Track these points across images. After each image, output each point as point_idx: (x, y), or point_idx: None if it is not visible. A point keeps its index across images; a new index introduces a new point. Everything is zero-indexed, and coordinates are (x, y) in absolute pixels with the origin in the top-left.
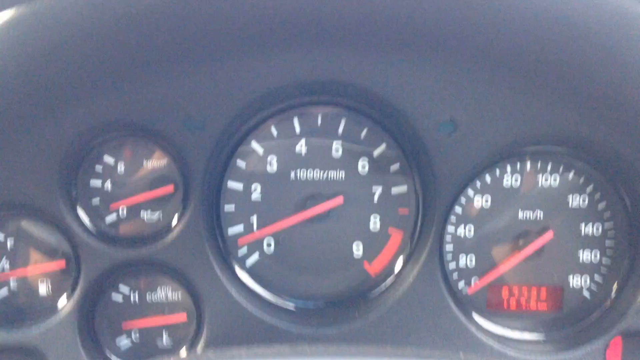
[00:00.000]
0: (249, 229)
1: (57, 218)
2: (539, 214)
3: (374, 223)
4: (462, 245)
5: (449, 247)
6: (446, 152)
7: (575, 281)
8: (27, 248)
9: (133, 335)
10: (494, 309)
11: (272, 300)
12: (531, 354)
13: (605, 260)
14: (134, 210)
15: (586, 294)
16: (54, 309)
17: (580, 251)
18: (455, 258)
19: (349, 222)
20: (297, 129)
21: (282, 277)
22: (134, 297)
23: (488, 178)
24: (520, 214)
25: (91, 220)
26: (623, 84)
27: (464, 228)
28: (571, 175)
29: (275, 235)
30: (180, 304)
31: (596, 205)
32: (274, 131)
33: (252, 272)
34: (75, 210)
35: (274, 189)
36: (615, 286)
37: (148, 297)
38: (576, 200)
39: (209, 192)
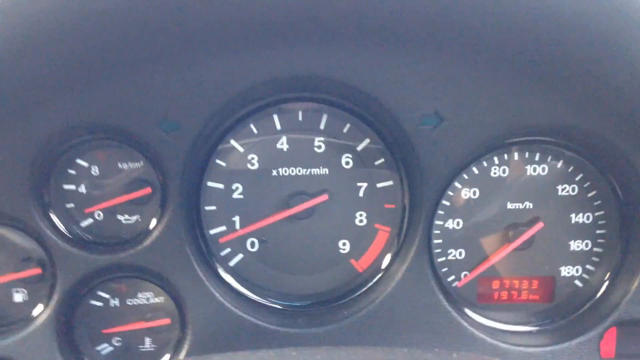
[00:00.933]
0: (231, 229)
1: (29, 224)
2: (528, 204)
3: (360, 219)
4: (450, 239)
5: (437, 241)
6: (431, 146)
7: (567, 271)
8: (0, 256)
9: (114, 341)
10: (484, 302)
11: (258, 301)
12: (524, 347)
13: (596, 250)
14: (110, 214)
15: (578, 283)
16: (30, 318)
17: (571, 241)
18: (444, 252)
19: (334, 218)
20: (278, 126)
21: (267, 277)
22: (114, 303)
23: (475, 170)
24: (509, 205)
25: (66, 225)
26: (613, 73)
27: (452, 221)
28: (560, 164)
29: (258, 234)
30: (162, 308)
31: (586, 194)
32: (254, 129)
33: (235, 272)
34: (48, 215)
35: (256, 188)
36: (607, 275)
37: (129, 303)
38: (565, 190)
39: (188, 193)
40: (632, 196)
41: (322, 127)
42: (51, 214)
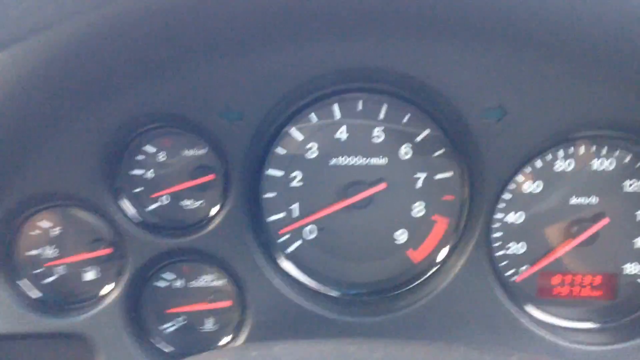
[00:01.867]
0: (289, 216)
1: (101, 208)
2: (593, 199)
3: (418, 210)
4: (511, 232)
5: (497, 235)
6: (494, 139)
7: (631, 269)
8: (74, 236)
9: (178, 320)
10: (544, 296)
11: (314, 288)
12: (585, 345)
13: None
14: (175, 199)
15: None
16: (100, 297)
17: (637, 238)
18: (504, 246)
19: (391, 208)
20: (338, 115)
21: (323, 265)
22: (178, 284)
23: (539, 163)
24: (573, 200)
25: (134, 209)
26: None
27: (514, 214)
28: (628, 159)
29: (316, 223)
30: (224, 291)
31: None
32: (314, 118)
33: (293, 259)
34: (118, 199)
35: (314, 176)
36: None
37: (192, 285)
38: (633, 185)
39: (249, 180)
40: None
41: (381, 116)
42: (121, 198)
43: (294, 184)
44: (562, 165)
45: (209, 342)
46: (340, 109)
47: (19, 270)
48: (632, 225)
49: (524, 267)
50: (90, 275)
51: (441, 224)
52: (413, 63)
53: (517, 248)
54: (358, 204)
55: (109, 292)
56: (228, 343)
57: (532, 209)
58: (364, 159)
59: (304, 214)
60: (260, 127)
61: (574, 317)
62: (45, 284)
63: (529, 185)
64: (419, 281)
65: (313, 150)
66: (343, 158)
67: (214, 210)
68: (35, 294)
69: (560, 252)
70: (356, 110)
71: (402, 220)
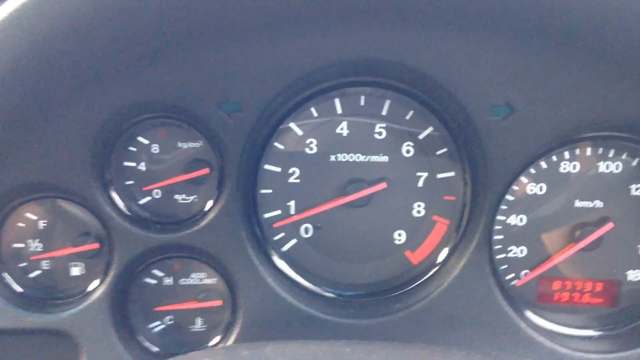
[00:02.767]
0: (286, 213)
1: (90, 200)
2: (598, 203)
3: (418, 210)
4: (512, 235)
5: (498, 237)
6: (499, 137)
7: (635, 275)
8: (60, 230)
9: (166, 319)
10: (544, 302)
11: (309, 288)
12: (585, 352)
13: None
14: (168, 193)
15: None
16: (86, 293)
17: None
18: (505, 249)
19: (391, 208)
20: (339, 110)
21: (319, 264)
22: (168, 282)
23: (544, 164)
24: (577, 203)
25: (125, 202)
26: None
27: (516, 217)
28: (635, 162)
29: (313, 220)
30: (215, 290)
31: None
32: (314, 112)
33: (288, 258)
34: (108, 192)
35: (313, 173)
36: None
37: (182, 282)
38: (639, 190)
39: (245, 175)
40: None
41: (384, 112)
42: (111, 191)
43: (292, 180)
44: (568, 167)
45: (197, 341)
46: (342, 103)
47: (3, 262)
48: (637, 231)
49: (524, 272)
50: (76, 270)
51: (441, 225)
52: (419, 56)
53: (518, 252)
54: (357, 202)
55: (95, 289)
56: (217, 343)
57: (534, 212)
58: (365, 156)
59: (300, 211)
60: (259, 120)
61: (574, 324)
62: (30, 278)
63: (532, 187)
64: (417, 283)
65: (312, 146)
66: (343, 155)
67: (207, 206)
68: (19, 288)
69: (562, 257)
70: (358, 105)
71: (402, 220)
